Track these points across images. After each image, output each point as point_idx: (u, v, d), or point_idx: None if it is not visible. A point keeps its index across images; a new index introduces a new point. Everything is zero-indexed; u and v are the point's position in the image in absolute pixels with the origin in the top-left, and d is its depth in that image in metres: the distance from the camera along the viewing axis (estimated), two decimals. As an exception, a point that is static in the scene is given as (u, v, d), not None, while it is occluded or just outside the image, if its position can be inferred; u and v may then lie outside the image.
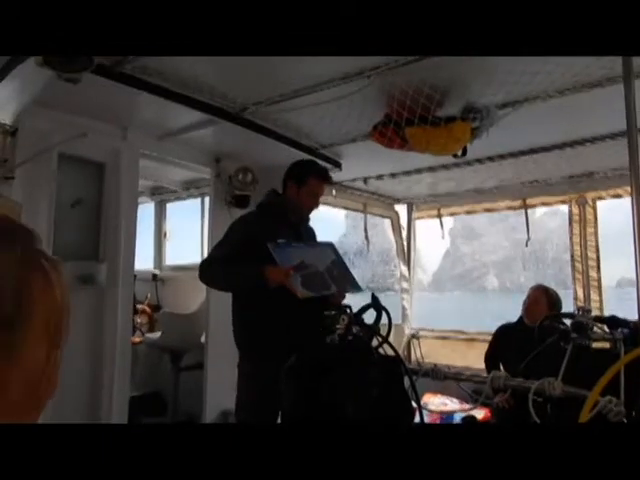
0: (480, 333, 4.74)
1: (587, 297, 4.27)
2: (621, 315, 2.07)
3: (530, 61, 2.12)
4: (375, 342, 2.05)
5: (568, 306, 3.86)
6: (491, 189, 4.56)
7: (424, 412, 2.05)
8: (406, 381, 2.00)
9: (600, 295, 4.27)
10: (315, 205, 2.70)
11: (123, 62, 2.26)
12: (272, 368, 2.09)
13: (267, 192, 2.77)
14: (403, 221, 5.31)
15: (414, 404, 1.98)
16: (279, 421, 2.34)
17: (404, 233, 5.31)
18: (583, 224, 4.35)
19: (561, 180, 4.16)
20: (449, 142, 2.72)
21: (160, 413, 4.13)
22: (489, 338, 3.87)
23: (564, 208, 4.59)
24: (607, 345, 2.01)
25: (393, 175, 4.15)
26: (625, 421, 1.50)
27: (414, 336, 5.07)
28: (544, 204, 4.79)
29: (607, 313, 2.36)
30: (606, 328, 2.02)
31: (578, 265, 4.36)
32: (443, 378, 2.13)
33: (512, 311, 3.84)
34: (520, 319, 3.64)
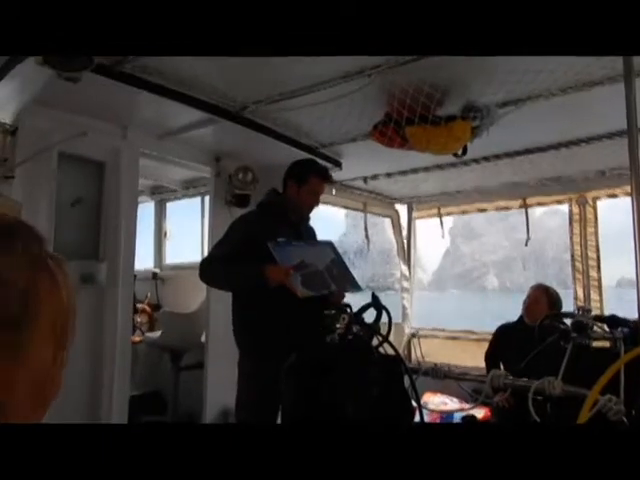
0: (480, 332, 4.74)
1: (587, 297, 4.27)
2: (621, 315, 2.08)
3: (531, 60, 2.12)
4: (375, 341, 2.05)
5: (568, 306, 3.86)
6: (491, 188, 4.56)
7: (424, 411, 2.06)
8: (406, 380, 2.00)
9: (600, 295, 4.27)
10: (315, 204, 2.70)
11: (123, 61, 2.26)
12: (272, 368, 2.09)
13: (267, 191, 2.77)
14: (403, 220, 5.31)
15: (414, 403, 1.98)
16: (279, 421, 2.34)
17: (404, 232, 5.31)
18: (583, 224, 4.35)
19: (561, 179, 4.16)
20: (449, 141, 2.72)
21: (160, 412, 4.13)
22: (489, 337, 3.88)
23: (564, 208, 4.59)
24: (607, 344, 2.01)
25: (393, 174, 4.15)
26: (625, 420, 1.50)
27: (414, 335, 5.07)
28: (544, 204, 4.78)
29: (607, 313, 2.36)
30: (606, 327, 2.02)
31: (578, 265, 4.36)
32: (443, 377, 2.13)
33: (512, 311, 3.84)
34: (520, 318, 3.64)
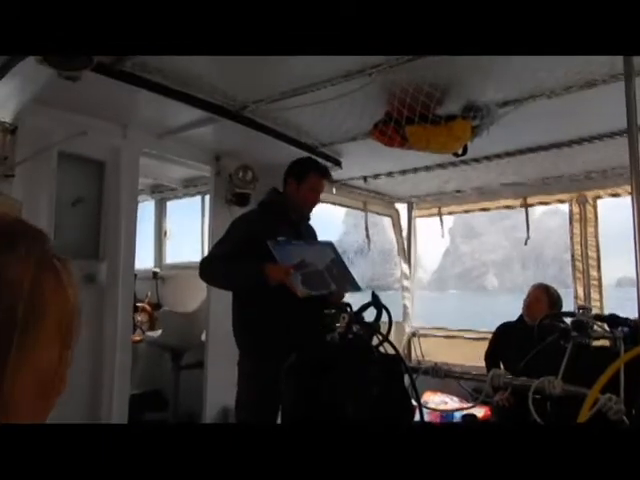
0: (480, 332, 4.74)
1: (587, 296, 4.27)
2: (622, 315, 2.08)
3: (531, 59, 2.12)
4: (375, 340, 2.05)
5: (568, 305, 3.86)
6: (492, 188, 4.56)
7: (424, 410, 2.06)
8: (406, 379, 2.00)
9: (600, 294, 4.27)
10: (315, 202, 2.69)
11: (123, 60, 2.26)
12: (272, 367, 2.09)
13: (268, 190, 2.77)
14: (403, 220, 5.31)
15: (414, 402, 1.98)
16: (279, 421, 2.34)
17: (404, 232, 5.32)
18: (584, 223, 4.34)
19: (562, 179, 4.16)
20: (449, 140, 2.72)
21: (160, 411, 4.13)
22: (489, 337, 3.88)
23: (564, 208, 4.59)
24: (607, 343, 2.01)
25: (393, 174, 4.15)
26: (625, 419, 1.50)
27: (414, 334, 5.08)
28: (544, 203, 4.78)
29: (607, 312, 2.36)
30: (606, 326, 2.02)
31: (578, 264, 4.36)
32: (443, 376, 2.13)
33: (512, 310, 3.84)
34: (520, 317, 3.64)
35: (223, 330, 2.85)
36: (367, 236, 5.18)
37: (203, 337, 3.79)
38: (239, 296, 2.58)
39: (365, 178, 4.28)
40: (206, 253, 3.17)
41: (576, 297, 4.35)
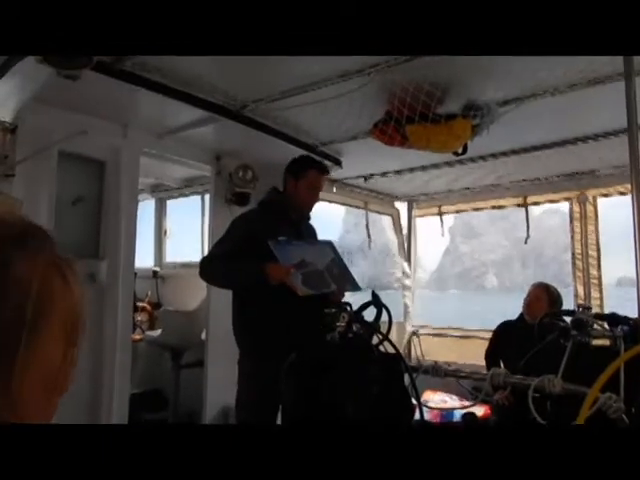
0: (479, 330, 4.75)
1: (588, 295, 4.27)
2: (622, 314, 2.08)
3: (531, 58, 2.12)
4: (376, 339, 2.06)
5: (569, 304, 3.86)
6: (491, 187, 4.56)
7: (424, 409, 2.06)
8: (406, 378, 2.00)
9: (601, 293, 4.27)
10: (314, 199, 2.69)
11: (123, 59, 2.26)
12: (272, 367, 2.09)
13: (269, 190, 2.77)
14: (403, 219, 5.31)
15: (414, 401, 1.98)
16: (279, 421, 2.34)
17: (404, 231, 5.32)
18: (584, 221, 4.34)
19: (562, 177, 4.16)
20: (449, 139, 2.72)
21: (161, 410, 4.13)
22: (489, 336, 3.88)
23: (564, 207, 4.60)
24: (607, 342, 2.01)
25: (393, 173, 4.15)
26: (625, 418, 1.51)
27: (414, 334, 5.08)
28: (545, 202, 4.78)
29: (607, 311, 2.36)
30: (606, 325, 2.03)
31: (579, 263, 4.36)
32: (443, 375, 2.13)
33: (511, 309, 3.84)
34: (520, 316, 3.64)
35: (223, 329, 2.85)
36: (368, 235, 5.19)
37: (203, 336, 3.79)
38: (239, 295, 2.59)
39: (365, 177, 4.28)
40: (206, 252, 3.17)
41: (576, 296, 4.35)
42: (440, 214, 5.16)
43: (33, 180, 2.64)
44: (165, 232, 5.41)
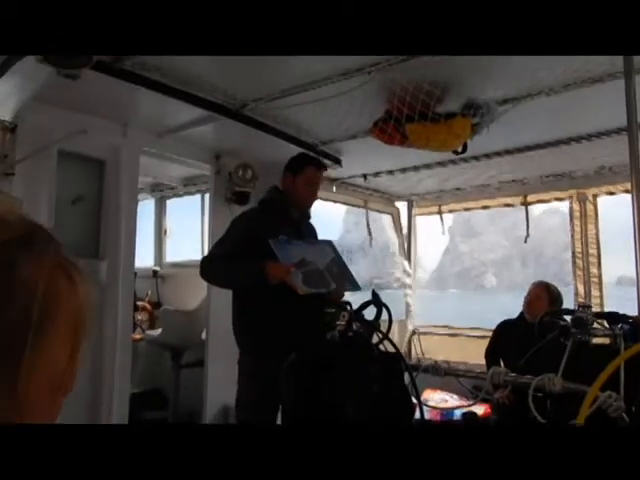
0: (481, 329, 4.75)
1: (588, 293, 4.27)
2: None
3: (530, 57, 2.12)
4: (376, 338, 2.06)
5: (569, 303, 3.86)
6: (491, 186, 4.56)
7: (424, 408, 2.06)
8: (406, 377, 2.00)
9: (601, 291, 4.27)
10: (312, 195, 2.69)
11: (123, 58, 2.26)
12: (272, 367, 2.09)
13: (269, 189, 2.77)
14: (403, 217, 5.31)
15: (414, 400, 1.99)
16: (279, 420, 2.34)
17: (405, 229, 5.32)
18: (584, 220, 4.34)
19: (562, 176, 4.16)
20: (449, 138, 2.72)
21: (161, 410, 4.13)
22: (489, 335, 3.88)
23: (564, 207, 4.60)
24: (607, 341, 2.01)
25: (393, 172, 4.15)
26: (625, 416, 1.51)
27: (414, 332, 5.07)
28: (545, 201, 4.78)
29: (607, 310, 2.36)
30: (606, 324, 2.03)
31: (579, 261, 4.36)
32: (443, 374, 2.14)
33: (510, 309, 3.85)
34: (521, 315, 3.64)
35: (223, 329, 2.85)
36: (369, 233, 5.19)
37: (203, 336, 3.79)
38: (239, 295, 2.59)
39: (365, 176, 4.28)
40: (206, 252, 3.17)
41: (577, 294, 4.35)
42: (440, 213, 5.16)
43: (33, 179, 2.64)
44: (165, 231, 5.41)
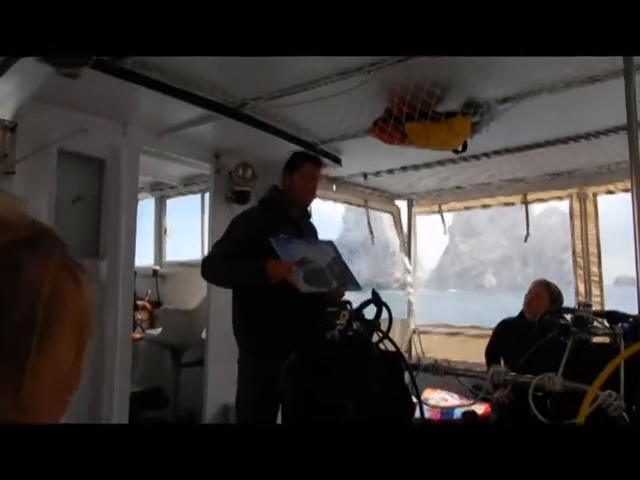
0: (482, 328, 4.75)
1: (588, 292, 4.27)
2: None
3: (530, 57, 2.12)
4: (376, 338, 2.06)
5: (569, 302, 3.86)
6: (491, 184, 4.56)
7: (424, 407, 2.06)
8: (407, 376, 2.00)
9: (601, 290, 4.27)
10: (310, 191, 2.68)
11: (122, 57, 2.26)
12: (272, 366, 2.09)
13: (269, 188, 2.77)
14: (403, 217, 5.31)
15: (414, 399, 1.99)
16: (279, 419, 2.34)
17: (405, 229, 5.33)
18: (584, 219, 4.34)
19: (562, 175, 4.15)
20: (449, 137, 2.72)
21: (161, 409, 4.13)
22: (489, 334, 3.88)
23: (563, 208, 4.61)
24: (607, 340, 2.02)
25: (393, 171, 4.15)
26: (625, 415, 1.51)
27: (414, 332, 5.07)
28: (545, 199, 4.77)
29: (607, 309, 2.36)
30: (606, 323, 2.03)
31: (579, 260, 4.36)
32: (443, 374, 2.14)
33: (510, 308, 3.84)
34: (521, 314, 3.64)
35: (223, 328, 2.85)
36: (370, 231, 5.19)
37: (203, 335, 3.79)
38: (239, 294, 2.58)
39: (365, 175, 4.28)
40: (206, 251, 3.17)
41: (577, 293, 4.35)
42: (441, 212, 5.16)
43: (33, 179, 2.64)
44: (165, 230, 5.41)
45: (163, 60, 2.33)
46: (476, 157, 3.66)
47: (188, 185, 5.09)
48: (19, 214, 0.58)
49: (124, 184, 3.10)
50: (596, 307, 3.73)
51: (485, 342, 3.82)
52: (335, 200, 4.66)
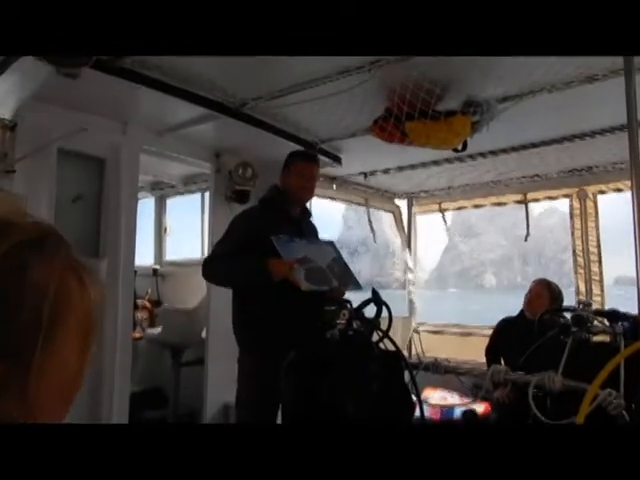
0: (479, 328, 4.75)
1: (589, 291, 4.27)
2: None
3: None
4: (376, 337, 2.06)
5: (570, 302, 3.86)
6: (491, 184, 4.56)
7: (424, 406, 2.06)
8: (407, 375, 2.00)
9: (602, 289, 4.27)
10: (307, 188, 2.66)
11: (122, 57, 2.26)
12: (272, 366, 2.09)
13: (269, 187, 2.77)
14: (404, 216, 5.32)
15: (414, 398, 1.99)
16: (279, 418, 2.34)
17: (405, 228, 5.33)
18: (584, 218, 4.34)
19: (562, 174, 4.16)
20: (449, 136, 2.72)
21: (161, 408, 4.13)
22: (489, 333, 3.88)
23: (563, 208, 4.61)
24: (607, 339, 2.02)
25: (393, 170, 4.15)
26: (625, 414, 1.51)
27: (415, 331, 5.08)
28: (544, 198, 4.77)
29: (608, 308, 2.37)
30: (606, 321, 2.03)
31: (580, 259, 4.36)
32: (444, 372, 2.14)
33: (509, 307, 3.84)
34: (521, 313, 3.63)
35: (223, 327, 2.85)
36: (371, 229, 5.19)
37: (203, 334, 3.79)
38: (239, 293, 2.58)
39: (365, 174, 4.28)
40: (206, 250, 3.17)
41: (577, 292, 4.35)
42: (441, 211, 5.17)
43: (33, 178, 2.64)
44: (165, 230, 5.41)
45: (163, 59, 2.33)
46: (476, 156, 3.66)
47: (188, 184, 5.09)
48: (22, 214, 0.58)
49: (124, 183, 3.10)
50: (596, 306, 3.72)
51: (485, 341, 3.82)
52: (335, 199, 4.66)
